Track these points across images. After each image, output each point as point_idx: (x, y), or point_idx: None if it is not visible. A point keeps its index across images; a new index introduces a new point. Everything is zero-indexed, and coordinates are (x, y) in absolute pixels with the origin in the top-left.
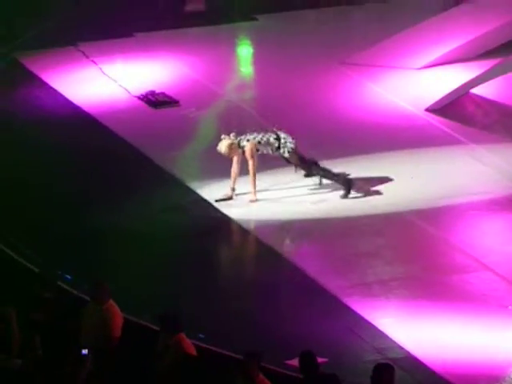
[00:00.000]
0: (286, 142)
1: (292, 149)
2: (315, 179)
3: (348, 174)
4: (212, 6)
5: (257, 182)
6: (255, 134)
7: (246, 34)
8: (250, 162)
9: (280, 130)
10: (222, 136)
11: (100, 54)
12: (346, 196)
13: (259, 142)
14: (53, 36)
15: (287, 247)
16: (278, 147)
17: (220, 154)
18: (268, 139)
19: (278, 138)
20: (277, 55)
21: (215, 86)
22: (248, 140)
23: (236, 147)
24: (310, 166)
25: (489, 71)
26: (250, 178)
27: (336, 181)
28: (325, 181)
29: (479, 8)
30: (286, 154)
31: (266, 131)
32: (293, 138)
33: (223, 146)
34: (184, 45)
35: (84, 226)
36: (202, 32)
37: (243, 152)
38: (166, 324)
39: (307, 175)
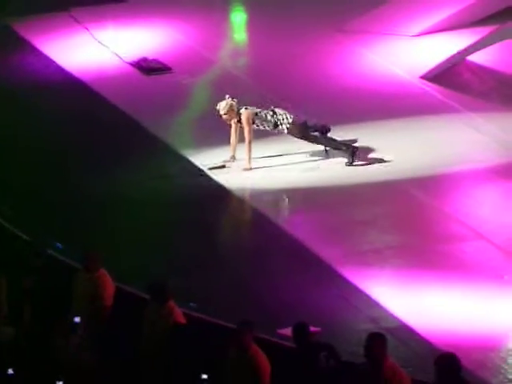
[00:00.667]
0: (283, 119)
1: (290, 123)
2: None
3: (354, 142)
4: None
5: (252, 150)
6: (254, 107)
7: (241, 0)
8: (246, 129)
9: (276, 106)
10: (227, 96)
11: (92, 19)
12: (350, 164)
13: (256, 114)
14: (44, 1)
15: (282, 215)
16: (276, 125)
17: (217, 114)
18: (266, 115)
19: (274, 114)
20: (272, 22)
21: (209, 52)
22: (246, 108)
23: (234, 110)
24: (314, 137)
25: (485, 38)
26: (245, 145)
27: (341, 149)
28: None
29: None
30: (286, 131)
31: (262, 108)
32: (290, 114)
33: (223, 103)
34: (177, 11)
35: (75, 192)
36: None
37: (239, 120)
38: (155, 293)
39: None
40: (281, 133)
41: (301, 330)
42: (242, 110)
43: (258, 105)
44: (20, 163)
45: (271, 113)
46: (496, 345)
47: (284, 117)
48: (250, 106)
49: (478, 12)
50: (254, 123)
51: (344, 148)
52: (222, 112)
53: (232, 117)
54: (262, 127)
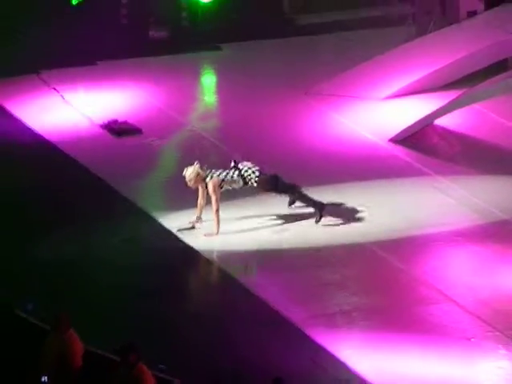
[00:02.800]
0: (249, 174)
1: (257, 177)
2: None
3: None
4: (175, 34)
5: (220, 217)
6: (219, 171)
7: (210, 63)
8: (213, 198)
9: (239, 162)
10: (196, 162)
11: (62, 82)
12: (318, 221)
13: (223, 180)
14: (14, 64)
15: (250, 277)
16: (245, 182)
17: (184, 180)
18: (232, 176)
19: (240, 172)
20: (241, 85)
21: (178, 114)
22: (212, 177)
23: (201, 179)
24: (284, 188)
25: (452, 102)
26: (212, 214)
27: (310, 204)
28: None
29: (442, 39)
30: (255, 184)
31: (227, 169)
32: (254, 165)
33: (189, 172)
34: (147, 73)
35: (44, 256)
36: (165, 61)
37: (206, 186)
38: (124, 356)
39: (291, 202)
40: (251, 187)
41: None
42: (208, 180)
43: (224, 168)
44: None
45: (237, 172)
46: None
47: (250, 172)
48: (217, 168)
49: (446, 76)
50: (222, 188)
51: (312, 203)
52: (187, 179)
53: (198, 184)
54: (231, 189)
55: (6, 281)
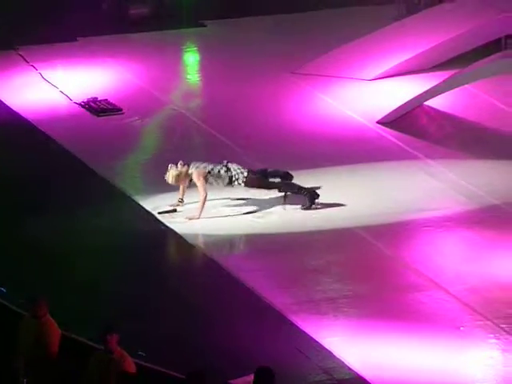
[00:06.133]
0: (237, 174)
1: (245, 177)
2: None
3: (316, 188)
4: (158, 10)
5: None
6: (205, 164)
7: (194, 40)
8: (199, 185)
9: (230, 162)
10: (170, 166)
11: (40, 58)
12: (307, 208)
13: (209, 172)
14: None
15: (234, 261)
16: (230, 181)
17: (168, 184)
18: (219, 171)
19: (228, 170)
20: (225, 63)
21: (160, 93)
22: (197, 167)
23: (183, 176)
24: (274, 184)
25: (442, 83)
26: (199, 197)
27: (302, 193)
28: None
29: (433, 19)
30: (242, 185)
31: (215, 163)
32: (244, 168)
33: (170, 176)
34: (128, 50)
35: (20, 237)
36: (147, 37)
37: (190, 180)
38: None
39: (282, 192)
40: (236, 187)
41: (264, 376)
42: (192, 171)
43: (209, 160)
44: None
45: (225, 168)
46: None
47: (238, 171)
48: (202, 162)
49: (436, 57)
50: (207, 182)
51: (304, 192)
52: (173, 184)
53: (183, 183)
54: (215, 184)
55: None
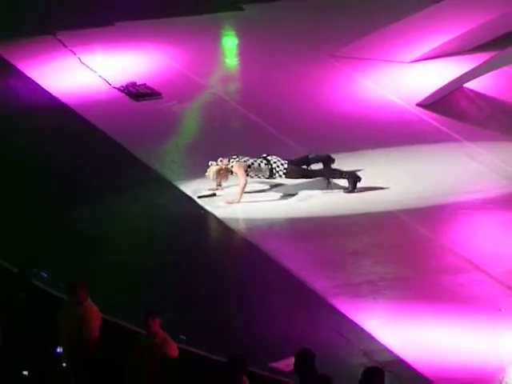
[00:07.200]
0: (278, 166)
1: (286, 168)
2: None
3: (358, 171)
4: None
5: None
6: (245, 158)
7: (232, 24)
8: (239, 173)
9: (269, 155)
10: (210, 162)
11: (79, 43)
12: (350, 192)
13: (249, 166)
14: (31, 24)
15: (274, 246)
16: (271, 173)
17: (209, 181)
18: (259, 164)
19: (268, 163)
20: (263, 47)
21: (199, 77)
22: (238, 161)
23: (225, 172)
24: (315, 173)
25: (482, 65)
26: (240, 183)
27: (344, 178)
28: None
29: (472, 1)
30: (283, 177)
31: (255, 157)
32: (284, 159)
33: (211, 173)
34: (167, 35)
35: (60, 223)
36: (185, 22)
37: (231, 172)
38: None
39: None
40: (277, 179)
41: (306, 359)
42: (233, 163)
43: (250, 154)
44: (5, 190)
45: (264, 161)
46: (492, 379)
47: (278, 163)
48: (242, 156)
49: (475, 38)
50: (248, 175)
51: (346, 176)
52: (214, 180)
53: (226, 177)
54: (256, 178)
55: (25, 250)
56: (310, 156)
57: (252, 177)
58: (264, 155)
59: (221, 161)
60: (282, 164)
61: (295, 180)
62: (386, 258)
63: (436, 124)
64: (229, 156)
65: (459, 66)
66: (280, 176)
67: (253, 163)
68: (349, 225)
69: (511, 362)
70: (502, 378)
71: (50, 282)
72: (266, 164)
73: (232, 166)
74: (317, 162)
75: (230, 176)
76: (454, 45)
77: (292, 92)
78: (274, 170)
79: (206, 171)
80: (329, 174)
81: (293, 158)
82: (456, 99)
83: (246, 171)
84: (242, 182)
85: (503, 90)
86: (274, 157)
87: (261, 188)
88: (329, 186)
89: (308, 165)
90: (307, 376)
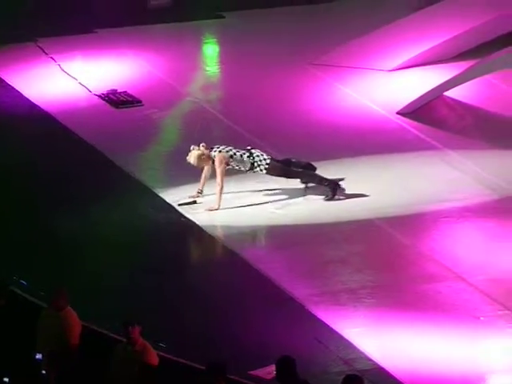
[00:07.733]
0: (260, 160)
1: (268, 164)
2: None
3: (339, 180)
4: (177, 2)
5: (223, 191)
6: (228, 148)
7: (213, 31)
8: (218, 170)
9: (253, 148)
10: (192, 147)
11: (60, 50)
12: (329, 199)
13: (231, 156)
14: (10, 31)
15: (254, 253)
16: (252, 167)
17: (189, 164)
18: (241, 156)
19: (250, 156)
20: (244, 55)
21: (179, 85)
22: (220, 151)
23: (206, 158)
24: (296, 173)
25: (463, 73)
26: (215, 188)
27: (324, 184)
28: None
29: (452, 9)
30: (264, 171)
31: (239, 148)
32: (267, 155)
33: (192, 157)
34: (147, 42)
35: (39, 230)
36: (166, 29)
37: (213, 162)
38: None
39: (304, 183)
40: (257, 173)
41: (287, 365)
42: (216, 153)
43: (232, 144)
44: None
45: (247, 153)
46: None
47: (261, 158)
48: (226, 146)
49: (456, 47)
50: (228, 165)
51: (326, 183)
52: (194, 164)
53: (206, 164)
54: (236, 167)
55: (4, 258)
56: (293, 160)
57: (233, 167)
58: (248, 147)
59: (203, 146)
60: (264, 159)
61: (274, 177)
62: (366, 265)
63: (416, 132)
64: (212, 145)
65: (440, 75)
66: (261, 170)
67: (235, 153)
68: (329, 233)
69: (490, 371)
70: None
71: (29, 290)
72: (248, 156)
73: (214, 156)
74: (297, 167)
75: (210, 166)
76: (434, 53)
77: (272, 100)
78: (256, 164)
79: (187, 155)
80: (308, 178)
81: (276, 158)
82: (436, 107)
83: (227, 162)
84: (219, 183)
85: (484, 98)
86: (258, 151)
87: (242, 196)
88: (306, 191)
89: (289, 167)
90: (289, 383)
